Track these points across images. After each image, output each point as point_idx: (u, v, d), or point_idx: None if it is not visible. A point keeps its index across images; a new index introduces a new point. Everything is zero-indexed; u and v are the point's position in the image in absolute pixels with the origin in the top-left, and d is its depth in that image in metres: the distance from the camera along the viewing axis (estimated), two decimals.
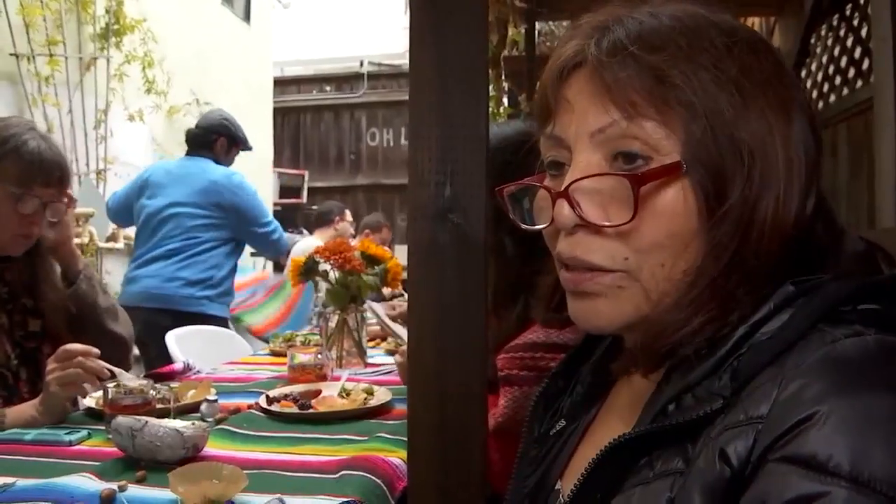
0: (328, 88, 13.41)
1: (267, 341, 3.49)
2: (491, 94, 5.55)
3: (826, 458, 0.57)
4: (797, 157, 0.75)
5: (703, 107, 0.73)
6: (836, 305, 0.69)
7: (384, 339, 3.48)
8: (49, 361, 1.94)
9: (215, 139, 4.34)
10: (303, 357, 2.56)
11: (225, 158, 4.39)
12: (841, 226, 0.81)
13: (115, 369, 2.02)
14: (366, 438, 1.81)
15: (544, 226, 0.83)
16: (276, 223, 4.45)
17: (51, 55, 5.81)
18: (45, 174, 2.06)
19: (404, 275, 2.83)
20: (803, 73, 4.28)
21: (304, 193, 12.49)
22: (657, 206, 0.74)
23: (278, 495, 1.41)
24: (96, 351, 1.97)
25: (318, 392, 2.23)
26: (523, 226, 0.88)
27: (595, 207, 0.77)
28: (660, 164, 0.74)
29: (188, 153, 4.40)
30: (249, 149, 4.63)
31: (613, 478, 0.75)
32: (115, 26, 6.57)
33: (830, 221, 0.79)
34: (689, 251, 0.75)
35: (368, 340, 3.22)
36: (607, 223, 0.76)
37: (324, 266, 2.86)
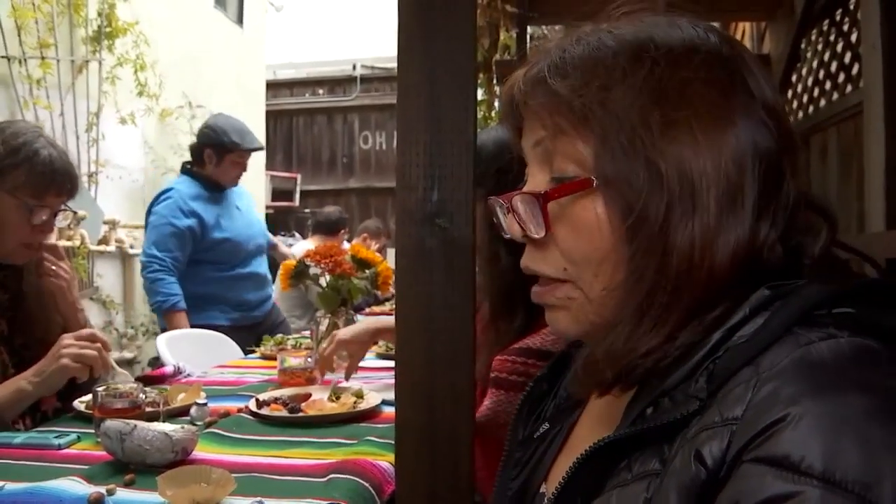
0: (321, 91, 13.39)
1: (258, 345, 3.48)
2: (483, 98, 5.56)
3: (799, 459, 0.57)
4: (733, 169, 0.75)
5: (606, 128, 0.77)
6: (811, 309, 0.69)
7: (375, 342, 3.47)
8: (66, 337, 1.96)
9: (202, 151, 4.21)
10: (293, 360, 2.56)
11: (218, 170, 4.20)
12: (826, 241, 0.80)
13: (119, 369, 2.04)
14: (355, 442, 1.81)
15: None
16: (152, 263, 4.06)
17: (42, 58, 5.79)
18: (58, 185, 2.07)
19: None
20: (794, 78, 4.30)
21: (297, 197, 12.48)
22: (573, 221, 0.80)
23: (259, 498, 1.41)
24: (111, 347, 2.00)
25: (308, 395, 2.23)
26: (504, 235, 0.92)
27: (526, 221, 0.84)
28: None
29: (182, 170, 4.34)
30: (254, 149, 4.38)
31: (594, 480, 0.76)
32: (108, 29, 6.55)
33: (832, 229, 0.80)
34: (611, 266, 0.79)
35: None
36: (531, 235, 0.83)
37: (314, 270, 2.86)
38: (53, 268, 2.18)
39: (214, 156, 4.16)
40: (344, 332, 2.44)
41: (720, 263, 0.74)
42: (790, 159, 0.79)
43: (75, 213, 2.21)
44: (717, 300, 0.74)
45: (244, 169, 4.36)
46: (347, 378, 2.47)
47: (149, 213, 4.24)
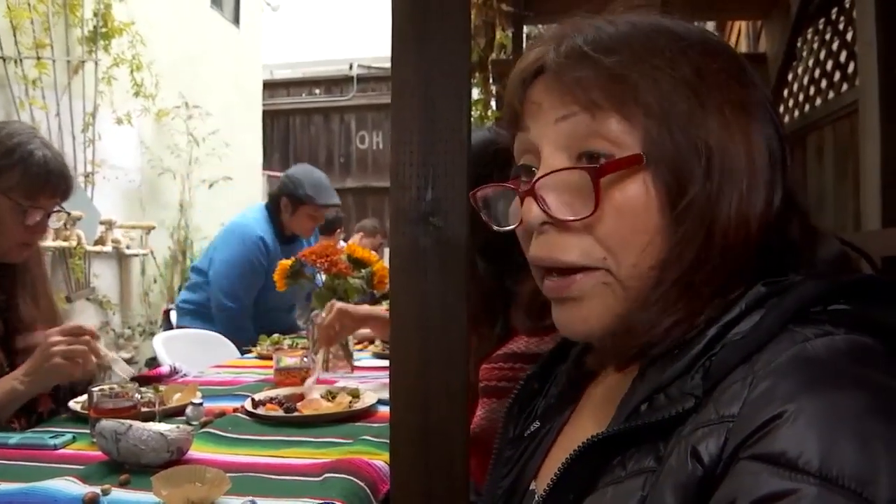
0: (317, 91, 13.38)
1: (254, 345, 3.48)
2: (479, 97, 5.55)
3: (796, 456, 0.57)
4: (759, 153, 0.77)
5: (659, 106, 0.75)
6: (806, 306, 0.69)
7: (371, 341, 3.48)
8: (52, 333, 1.95)
9: (279, 199, 4.13)
10: (289, 360, 2.56)
11: (293, 220, 4.13)
12: (815, 226, 0.82)
13: (112, 354, 2.03)
14: (350, 441, 1.81)
15: (514, 226, 0.85)
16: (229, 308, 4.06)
17: (38, 58, 5.78)
18: (52, 187, 2.07)
19: None
20: (790, 77, 4.30)
21: None
22: (619, 200, 0.76)
23: (250, 497, 1.41)
24: (99, 335, 1.99)
25: (304, 395, 2.23)
26: (495, 227, 0.89)
27: (560, 202, 0.79)
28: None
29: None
30: (330, 205, 4.26)
31: (586, 477, 0.76)
32: (104, 29, 6.54)
33: (805, 221, 0.81)
34: (654, 247, 0.76)
35: (355, 343, 3.22)
36: (572, 217, 0.77)
37: (310, 269, 2.86)
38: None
39: (290, 206, 4.10)
40: (343, 304, 2.53)
41: (751, 243, 0.75)
42: (790, 152, 0.81)
43: (69, 213, 2.21)
44: (741, 278, 0.75)
45: (320, 222, 4.31)
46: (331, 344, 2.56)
47: (221, 244, 4.16)
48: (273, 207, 4.16)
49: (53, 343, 1.93)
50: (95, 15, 6.49)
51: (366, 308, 2.63)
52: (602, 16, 0.83)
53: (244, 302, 3.98)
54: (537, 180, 0.79)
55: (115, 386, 1.90)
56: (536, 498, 0.88)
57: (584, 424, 0.89)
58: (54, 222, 2.15)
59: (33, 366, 1.94)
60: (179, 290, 7.72)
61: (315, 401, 2.16)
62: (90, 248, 6.44)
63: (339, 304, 2.52)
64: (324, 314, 2.56)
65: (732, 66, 0.80)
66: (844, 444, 0.57)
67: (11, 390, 1.93)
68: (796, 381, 0.62)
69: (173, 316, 4.68)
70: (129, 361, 6.77)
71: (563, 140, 0.80)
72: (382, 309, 2.61)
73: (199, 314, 4.14)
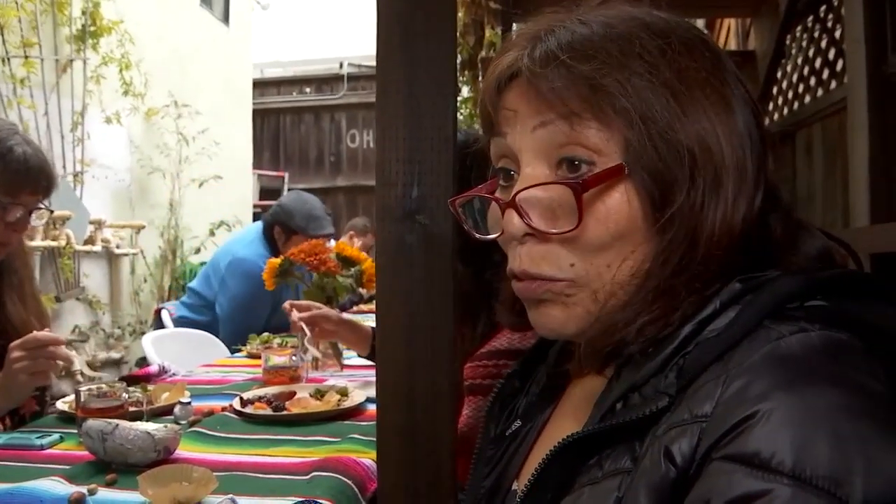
0: (308, 90, 13.37)
1: (244, 344, 3.47)
2: (469, 96, 5.56)
3: (769, 456, 0.57)
4: (742, 152, 0.75)
5: (639, 113, 0.73)
6: (782, 302, 0.69)
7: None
8: (13, 348, 1.92)
9: (273, 226, 4.17)
10: (278, 359, 2.56)
11: (285, 248, 3.97)
12: (797, 220, 0.81)
13: (72, 353, 2.01)
14: (338, 440, 1.81)
15: (496, 235, 0.83)
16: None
17: (26, 57, 5.76)
18: (33, 183, 2.04)
19: None
20: (779, 74, 4.31)
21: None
22: (601, 210, 0.75)
23: (230, 495, 1.41)
24: (63, 339, 1.96)
25: (293, 394, 2.23)
26: (477, 235, 0.88)
27: (542, 217, 0.77)
28: (603, 167, 0.74)
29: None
30: (321, 235, 4.05)
31: (564, 477, 0.75)
32: (92, 28, 6.51)
33: (787, 216, 0.80)
34: (636, 254, 0.75)
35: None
36: (554, 231, 0.76)
37: (299, 268, 2.85)
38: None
39: (283, 235, 4.13)
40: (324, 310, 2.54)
41: (734, 245, 0.74)
42: (770, 146, 0.80)
43: (52, 211, 2.18)
44: (718, 275, 0.74)
45: None
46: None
47: (228, 280, 4.15)
48: (268, 234, 4.20)
49: (14, 360, 1.90)
50: (84, 13, 6.46)
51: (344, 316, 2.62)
52: (574, 12, 0.81)
53: (254, 331, 3.97)
54: (518, 192, 0.78)
55: (102, 385, 1.89)
56: (517, 498, 0.88)
57: (564, 424, 0.88)
58: (36, 220, 2.12)
59: (3, 383, 1.92)
60: (170, 289, 7.71)
61: (303, 399, 2.16)
62: (79, 247, 6.41)
63: (320, 311, 2.52)
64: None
65: (713, 62, 0.78)
66: (818, 443, 0.57)
67: None
68: (770, 379, 0.62)
69: (165, 316, 4.70)
70: (119, 362, 6.77)
71: (541, 148, 0.78)
72: (356, 322, 2.60)
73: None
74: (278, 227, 4.15)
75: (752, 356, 0.64)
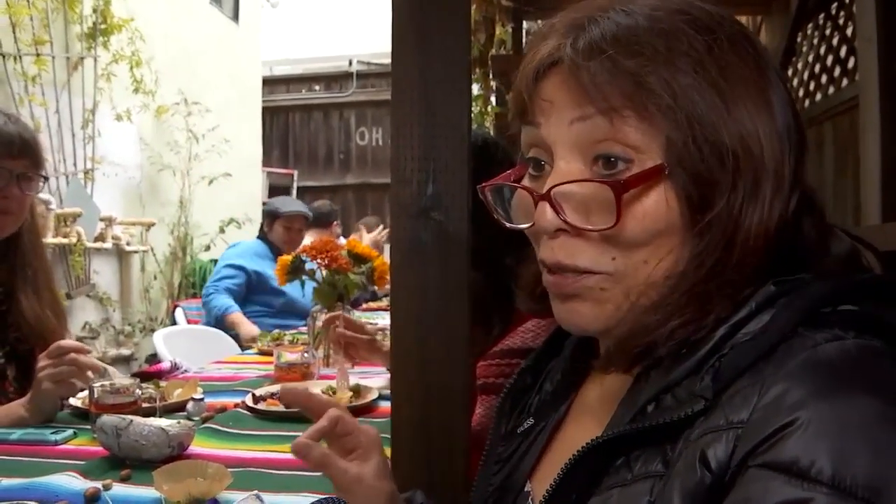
0: (317, 88, 13.36)
1: (255, 341, 3.49)
2: (479, 93, 5.54)
3: (808, 464, 0.56)
4: (782, 156, 0.73)
5: (684, 113, 0.71)
6: (816, 308, 0.68)
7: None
8: (40, 358, 1.93)
9: (263, 225, 5.18)
10: (289, 356, 2.57)
11: (272, 234, 5.05)
12: (829, 223, 0.79)
13: (105, 366, 2.01)
14: None
15: (527, 226, 0.80)
16: (210, 290, 4.80)
17: (38, 55, 5.76)
18: (7, 144, 2.01)
19: None
20: (790, 72, 4.30)
21: (294, 193, 12.45)
22: (640, 209, 0.72)
23: (255, 492, 1.41)
24: (87, 347, 1.97)
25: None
26: (508, 225, 0.84)
27: (577, 212, 0.75)
28: (641, 166, 0.72)
29: None
30: (290, 213, 5.08)
31: (589, 478, 0.74)
32: (103, 26, 6.51)
33: (820, 218, 0.78)
34: (672, 254, 0.74)
35: None
36: (590, 227, 0.74)
37: (310, 265, 2.85)
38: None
39: (268, 224, 5.10)
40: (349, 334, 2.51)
41: (768, 248, 0.72)
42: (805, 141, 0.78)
43: (46, 178, 2.15)
44: (751, 277, 0.72)
45: (294, 234, 5.07)
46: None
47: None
48: (263, 235, 5.13)
49: (40, 368, 1.91)
50: (94, 11, 6.46)
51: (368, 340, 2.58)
52: (616, 1, 0.77)
53: (212, 283, 4.88)
54: (554, 186, 0.75)
55: (115, 382, 1.90)
56: (533, 500, 0.87)
57: (583, 423, 0.87)
58: (30, 189, 2.08)
59: (33, 394, 1.93)
60: (180, 286, 7.73)
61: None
62: (90, 244, 6.42)
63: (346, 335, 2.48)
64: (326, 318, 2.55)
65: (757, 60, 0.76)
66: (857, 451, 0.56)
67: (20, 418, 1.92)
68: (807, 387, 0.61)
69: (179, 313, 4.92)
70: (129, 358, 6.79)
71: (577, 142, 0.75)
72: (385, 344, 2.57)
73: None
74: (267, 219, 5.14)
75: (789, 363, 0.64)
